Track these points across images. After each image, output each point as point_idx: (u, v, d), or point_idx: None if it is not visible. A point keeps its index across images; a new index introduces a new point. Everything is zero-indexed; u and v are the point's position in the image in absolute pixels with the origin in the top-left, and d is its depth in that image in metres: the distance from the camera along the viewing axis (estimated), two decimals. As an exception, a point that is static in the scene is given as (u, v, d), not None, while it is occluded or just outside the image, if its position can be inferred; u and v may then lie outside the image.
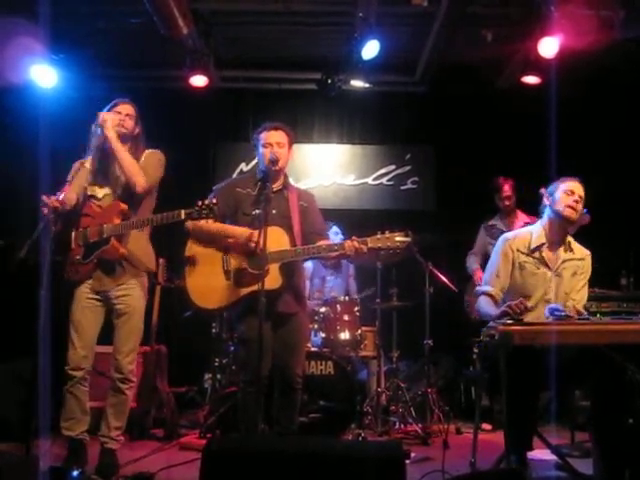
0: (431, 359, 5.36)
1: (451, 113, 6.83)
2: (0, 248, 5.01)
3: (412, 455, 4.14)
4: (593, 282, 4.42)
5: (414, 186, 7.04)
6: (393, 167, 7.06)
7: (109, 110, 3.81)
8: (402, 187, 7.04)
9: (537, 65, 5.65)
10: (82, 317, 3.71)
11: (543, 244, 3.64)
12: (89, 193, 3.78)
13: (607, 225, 6.16)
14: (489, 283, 3.66)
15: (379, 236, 3.49)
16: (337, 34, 5.98)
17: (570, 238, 3.73)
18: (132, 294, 3.74)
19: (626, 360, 3.08)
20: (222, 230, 3.69)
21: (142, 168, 3.72)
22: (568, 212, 3.59)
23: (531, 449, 3.28)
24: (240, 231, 3.63)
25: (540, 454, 3.84)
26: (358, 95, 6.71)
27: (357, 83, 6.45)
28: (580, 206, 3.62)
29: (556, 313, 3.27)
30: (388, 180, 7.05)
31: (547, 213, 3.70)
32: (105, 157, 3.78)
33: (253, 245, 3.50)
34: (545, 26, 5.24)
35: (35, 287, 3.47)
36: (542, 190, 3.94)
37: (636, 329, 3.01)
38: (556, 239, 3.67)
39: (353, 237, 3.53)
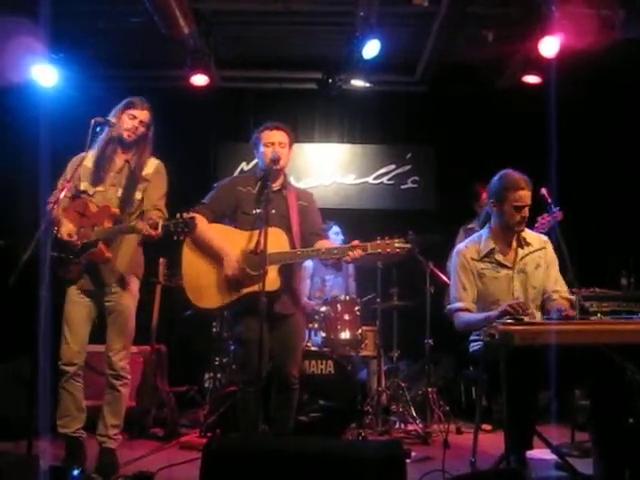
0: (431, 359, 5.37)
1: (451, 113, 6.83)
2: (0, 248, 5.02)
3: (412, 454, 4.14)
4: (593, 282, 4.43)
5: (414, 185, 7.04)
6: (393, 167, 7.07)
7: (123, 109, 3.73)
8: (402, 187, 7.04)
9: (537, 65, 5.65)
10: (74, 313, 3.71)
11: (493, 249, 3.59)
12: (82, 188, 3.73)
13: (607, 225, 6.17)
14: (459, 299, 3.60)
15: (379, 242, 3.48)
16: (338, 34, 5.98)
17: (524, 232, 3.66)
18: (121, 292, 3.73)
19: (626, 360, 3.08)
20: (215, 245, 3.65)
21: (153, 197, 3.73)
22: (520, 227, 3.56)
23: (531, 449, 3.28)
24: (230, 256, 3.59)
25: (540, 454, 3.84)
26: (359, 95, 6.71)
27: (358, 83, 6.45)
28: (527, 212, 3.54)
29: (556, 313, 3.26)
30: (388, 179, 7.06)
31: (495, 221, 3.62)
32: (105, 159, 3.74)
33: (240, 276, 3.52)
34: (546, 26, 5.24)
35: (35, 286, 3.48)
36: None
37: (636, 329, 3.01)
38: (507, 242, 3.62)
39: (353, 242, 3.53)
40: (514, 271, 3.57)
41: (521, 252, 3.61)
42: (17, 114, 6.06)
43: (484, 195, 5.67)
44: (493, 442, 4.39)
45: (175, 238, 3.49)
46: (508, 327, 3.01)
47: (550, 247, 3.68)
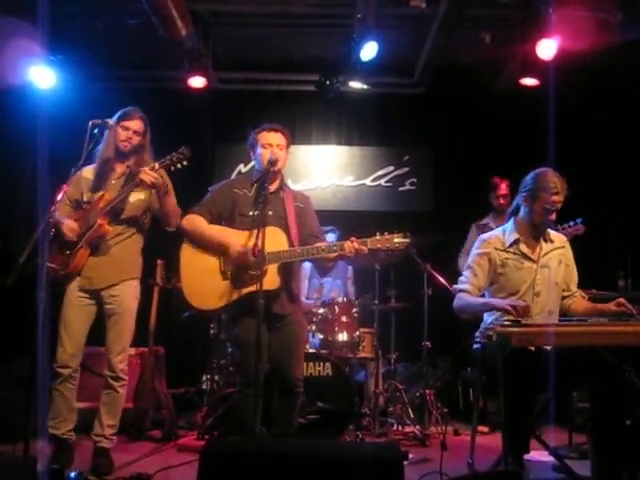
0: (429, 361, 5.37)
1: (449, 114, 6.84)
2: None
3: (410, 456, 4.13)
4: (591, 283, 4.43)
5: (412, 187, 7.05)
6: (391, 168, 7.07)
7: (118, 121, 3.83)
8: (400, 188, 7.05)
9: (535, 67, 5.65)
10: (72, 315, 3.74)
11: (518, 239, 3.60)
12: (85, 199, 3.84)
13: (605, 226, 6.17)
14: (466, 282, 3.62)
15: (378, 237, 3.51)
16: (335, 36, 5.98)
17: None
18: (123, 294, 3.78)
19: (623, 362, 3.08)
20: (217, 238, 3.65)
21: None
22: (545, 227, 3.60)
23: (528, 452, 3.27)
24: (233, 243, 3.59)
25: (538, 456, 3.84)
26: (356, 96, 6.71)
27: (355, 84, 6.46)
28: (555, 215, 3.58)
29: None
30: (386, 181, 7.06)
31: (523, 215, 3.63)
32: (105, 169, 3.86)
33: (247, 261, 3.48)
34: (543, 28, 5.24)
35: (33, 287, 3.47)
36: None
37: (633, 331, 3.01)
38: (532, 236, 3.63)
39: (352, 238, 3.54)
40: (538, 265, 3.58)
41: (545, 247, 3.63)
42: (15, 116, 6.04)
43: (502, 185, 5.64)
44: (491, 444, 4.40)
45: (173, 168, 3.73)
46: (506, 329, 3.01)
47: (568, 246, 3.72)
